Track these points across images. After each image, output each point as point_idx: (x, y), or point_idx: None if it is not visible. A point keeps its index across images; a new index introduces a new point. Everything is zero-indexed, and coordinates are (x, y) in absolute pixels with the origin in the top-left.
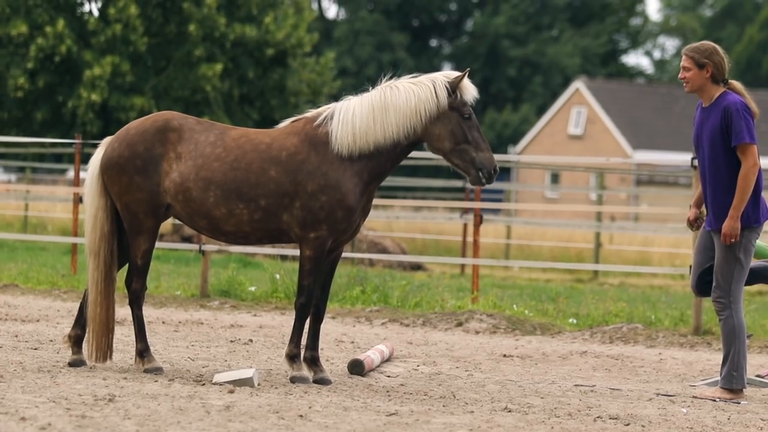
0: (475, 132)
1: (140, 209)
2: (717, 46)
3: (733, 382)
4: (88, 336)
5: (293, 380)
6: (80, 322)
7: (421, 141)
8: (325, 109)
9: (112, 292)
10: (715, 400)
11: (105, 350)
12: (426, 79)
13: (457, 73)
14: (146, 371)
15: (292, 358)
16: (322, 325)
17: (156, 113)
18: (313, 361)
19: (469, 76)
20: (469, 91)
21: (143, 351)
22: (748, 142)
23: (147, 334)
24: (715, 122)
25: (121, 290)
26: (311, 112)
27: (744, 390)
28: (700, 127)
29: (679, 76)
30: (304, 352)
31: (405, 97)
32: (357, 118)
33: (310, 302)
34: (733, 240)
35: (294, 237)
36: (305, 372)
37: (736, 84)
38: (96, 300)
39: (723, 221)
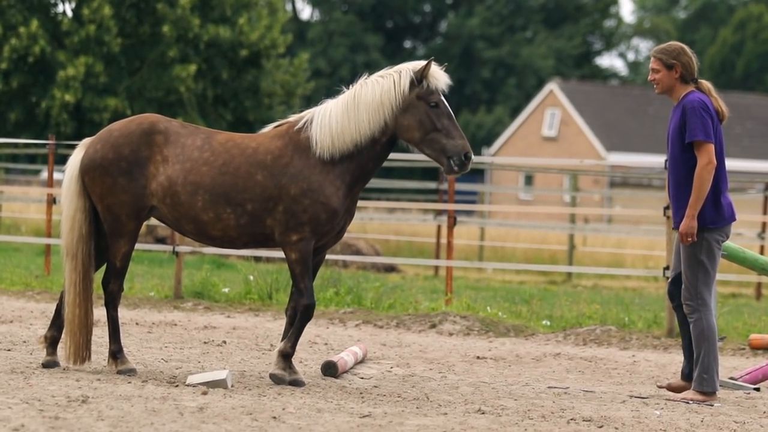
0: (445, 119)
1: (123, 211)
2: (685, 46)
3: (703, 384)
4: (65, 338)
5: (272, 377)
6: (56, 323)
7: (395, 134)
8: (307, 113)
9: (91, 294)
10: (688, 403)
11: (83, 352)
12: (393, 70)
13: (424, 63)
14: (119, 372)
15: (285, 356)
16: None
17: (139, 116)
18: None
19: (437, 65)
20: (438, 78)
21: (116, 352)
22: (701, 140)
23: (121, 335)
24: (676, 121)
25: (96, 291)
26: (294, 117)
27: (717, 392)
28: (669, 126)
29: (649, 78)
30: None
31: (371, 90)
32: (333, 119)
33: (314, 301)
34: (689, 239)
35: (277, 241)
36: (286, 373)
37: (705, 84)
38: (75, 301)
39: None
